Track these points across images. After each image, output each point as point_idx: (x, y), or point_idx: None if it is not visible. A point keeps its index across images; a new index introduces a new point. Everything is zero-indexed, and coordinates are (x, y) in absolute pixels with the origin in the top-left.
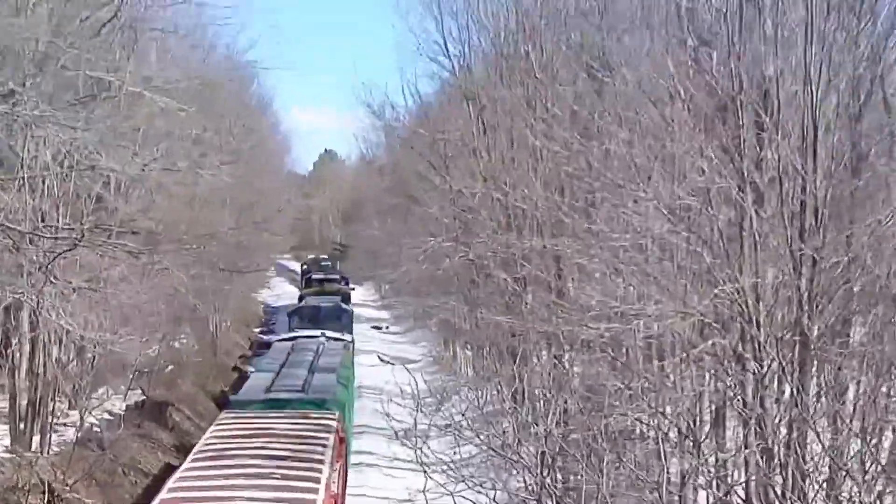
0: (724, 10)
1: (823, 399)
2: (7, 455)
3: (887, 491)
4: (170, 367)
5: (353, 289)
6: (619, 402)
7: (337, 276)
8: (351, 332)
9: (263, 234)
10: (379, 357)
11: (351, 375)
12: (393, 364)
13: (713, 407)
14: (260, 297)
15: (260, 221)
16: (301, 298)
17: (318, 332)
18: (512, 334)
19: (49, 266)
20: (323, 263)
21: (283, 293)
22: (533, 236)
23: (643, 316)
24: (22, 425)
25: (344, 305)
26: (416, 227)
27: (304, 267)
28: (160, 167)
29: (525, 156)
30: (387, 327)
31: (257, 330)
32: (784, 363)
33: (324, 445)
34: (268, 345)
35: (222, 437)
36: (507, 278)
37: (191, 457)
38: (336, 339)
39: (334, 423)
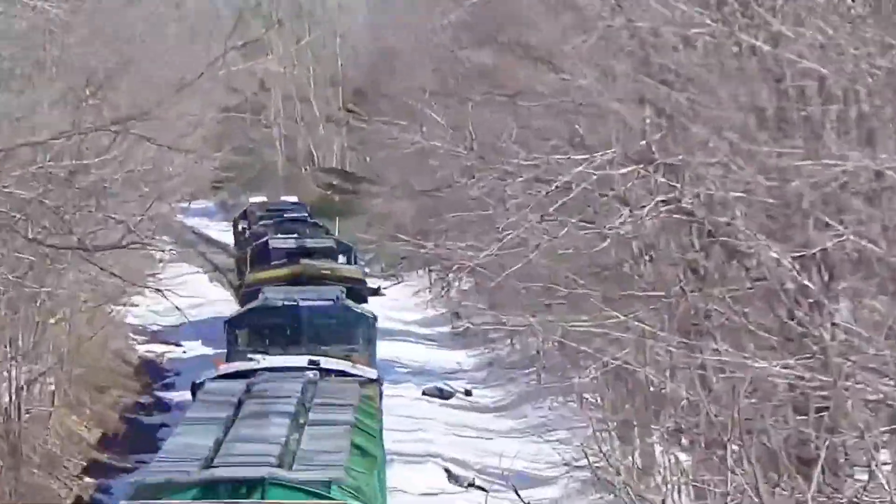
0: None
1: None
2: None
3: None
4: None
5: (379, 289)
6: None
7: (330, 244)
8: (374, 364)
9: (143, 149)
10: (448, 473)
11: (378, 444)
12: (486, 491)
13: None
14: (135, 316)
15: (132, 118)
16: (250, 294)
17: (299, 360)
18: (800, 409)
19: None
20: (291, 216)
21: (195, 301)
22: (847, 146)
23: None
24: None
25: (354, 305)
26: (540, 122)
27: (244, 226)
28: None
29: None
30: (467, 392)
31: (127, 399)
32: None
33: None
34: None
35: None
36: (788, 261)
37: None
38: (343, 375)
39: None
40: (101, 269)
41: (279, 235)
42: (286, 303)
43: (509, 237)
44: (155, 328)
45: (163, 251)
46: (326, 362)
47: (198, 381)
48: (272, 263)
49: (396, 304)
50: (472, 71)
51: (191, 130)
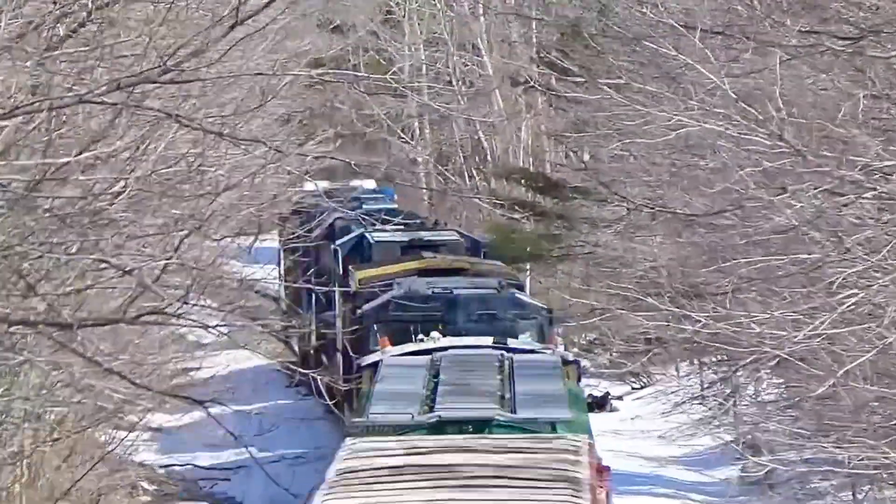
0: None
1: None
2: None
3: None
4: None
5: (608, 398)
6: None
7: (456, 238)
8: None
9: (168, 140)
10: None
11: (585, 411)
12: None
13: None
14: (149, 448)
15: (146, 78)
16: (363, 294)
17: (481, 341)
18: None
19: None
20: (375, 206)
21: (264, 420)
22: None
23: None
24: None
25: (523, 295)
26: None
27: (297, 227)
28: None
29: None
30: None
31: None
32: None
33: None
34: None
35: (354, 484)
36: None
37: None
38: (532, 353)
39: (584, 455)
40: (90, 360)
41: (378, 227)
42: (436, 291)
43: (850, 302)
44: (187, 470)
45: (206, 328)
46: (513, 343)
47: (366, 363)
48: (377, 261)
49: (637, 426)
50: None
51: (254, 103)
